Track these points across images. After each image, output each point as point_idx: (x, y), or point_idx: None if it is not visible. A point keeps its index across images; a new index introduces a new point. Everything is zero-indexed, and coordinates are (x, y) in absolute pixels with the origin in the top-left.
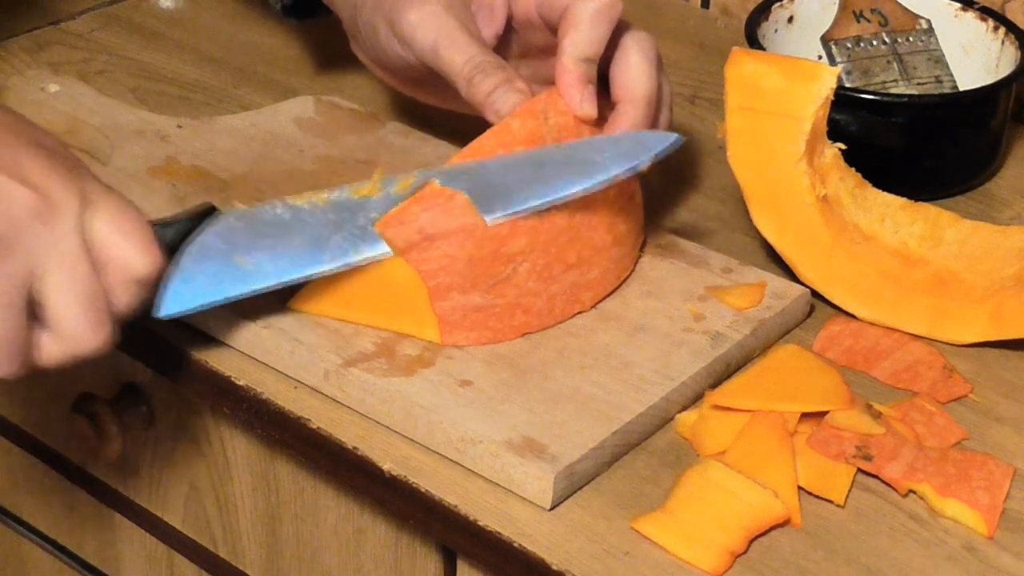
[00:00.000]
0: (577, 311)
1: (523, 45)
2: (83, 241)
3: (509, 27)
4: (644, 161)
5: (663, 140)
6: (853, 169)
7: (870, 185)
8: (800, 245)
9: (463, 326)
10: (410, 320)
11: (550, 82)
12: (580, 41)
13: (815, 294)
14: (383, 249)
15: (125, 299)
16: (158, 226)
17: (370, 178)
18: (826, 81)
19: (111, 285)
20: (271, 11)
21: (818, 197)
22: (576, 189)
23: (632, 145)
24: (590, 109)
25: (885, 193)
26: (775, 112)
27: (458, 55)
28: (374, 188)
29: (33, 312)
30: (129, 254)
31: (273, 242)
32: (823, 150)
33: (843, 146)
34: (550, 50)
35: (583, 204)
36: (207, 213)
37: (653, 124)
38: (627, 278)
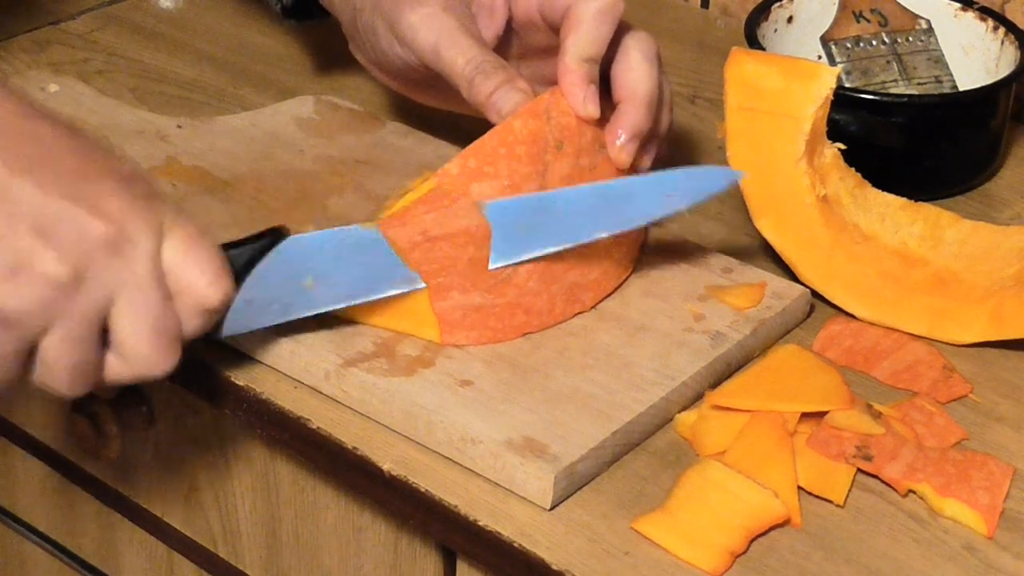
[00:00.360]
0: (577, 311)
1: (523, 46)
2: (156, 271)
3: (509, 28)
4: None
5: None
6: (853, 169)
7: (870, 185)
8: (800, 245)
9: (463, 326)
10: (410, 320)
11: (550, 82)
12: (582, 41)
13: (815, 294)
14: None
15: (194, 325)
16: (229, 250)
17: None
18: (826, 81)
19: (182, 312)
20: (271, 12)
21: (818, 197)
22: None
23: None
24: (593, 109)
25: (885, 193)
26: (775, 112)
27: (459, 56)
28: None
29: (103, 332)
30: (201, 284)
31: (339, 267)
32: (823, 150)
33: (843, 146)
34: (550, 51)
35: None
36: (277, 235)
37: (654, 124)
38: (627, 278)
